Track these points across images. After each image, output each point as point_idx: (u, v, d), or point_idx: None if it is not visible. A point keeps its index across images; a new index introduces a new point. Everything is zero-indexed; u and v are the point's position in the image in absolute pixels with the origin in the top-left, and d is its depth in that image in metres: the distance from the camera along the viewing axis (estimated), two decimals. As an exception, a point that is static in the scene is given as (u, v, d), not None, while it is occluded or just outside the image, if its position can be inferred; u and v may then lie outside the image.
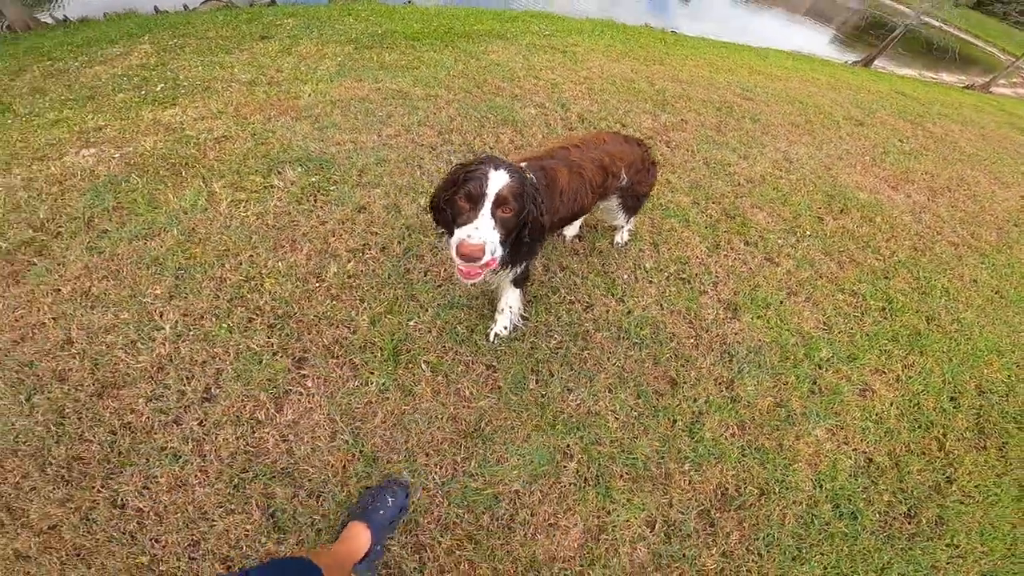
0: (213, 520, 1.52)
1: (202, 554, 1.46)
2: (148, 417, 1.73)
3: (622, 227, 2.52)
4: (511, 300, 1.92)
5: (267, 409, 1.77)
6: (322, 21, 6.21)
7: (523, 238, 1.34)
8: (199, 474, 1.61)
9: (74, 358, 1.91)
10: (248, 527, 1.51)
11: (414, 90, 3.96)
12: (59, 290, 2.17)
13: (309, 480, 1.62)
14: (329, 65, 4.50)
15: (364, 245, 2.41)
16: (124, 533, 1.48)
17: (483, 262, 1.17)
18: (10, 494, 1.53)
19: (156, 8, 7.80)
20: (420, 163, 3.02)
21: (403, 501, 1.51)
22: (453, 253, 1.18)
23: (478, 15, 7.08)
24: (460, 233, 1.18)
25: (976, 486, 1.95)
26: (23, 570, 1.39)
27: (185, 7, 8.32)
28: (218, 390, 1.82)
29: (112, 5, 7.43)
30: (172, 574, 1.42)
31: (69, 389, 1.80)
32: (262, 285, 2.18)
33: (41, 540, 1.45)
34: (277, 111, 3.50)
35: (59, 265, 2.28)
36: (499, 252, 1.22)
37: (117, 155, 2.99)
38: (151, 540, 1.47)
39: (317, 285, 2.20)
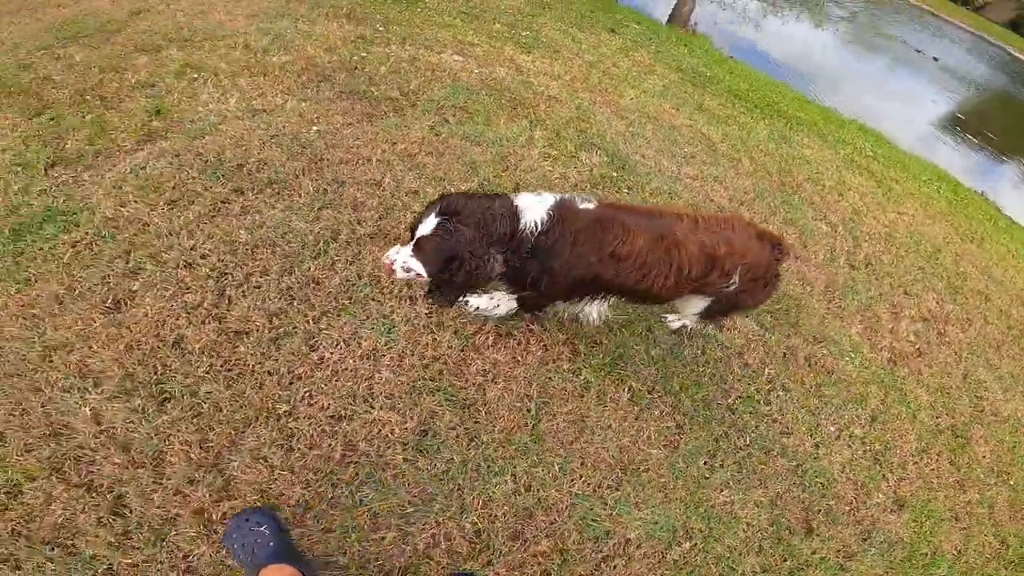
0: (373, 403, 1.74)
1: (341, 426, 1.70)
2: (388, 282, 2.04)
3: (687, 320, 2.15)
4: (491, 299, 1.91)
5: (488, 338, 1.98)
6: (660, 39, 6.55)
7: (453, 274, 1.43)
8: (394, 358, 1.85)
9: (373, 198, 2.37)
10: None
11: (721, 144, 3.98)
12: (395, 144, 2.73)
13: (479, 423, 1.77)
14: (655, 82, 4.76)
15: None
16: (294, 377, 1.68)
17: (399, 274, 1.46)
18: (238, 279, 1.81)
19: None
20: (700, 212, 3.05)
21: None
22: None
23: (805, 104, 6.75)
24: (391, 251, 1.49)
25: None
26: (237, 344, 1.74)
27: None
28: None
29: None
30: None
31: (352, 221, 2.21)
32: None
33: (230, 333, 1.70)
34: (602, 100, 3.84)
35: (405, 127, 2.86)
36: (418, 271, 1.45)
37: (476, 71, 3.61)
38: (308, 393, 1.64)
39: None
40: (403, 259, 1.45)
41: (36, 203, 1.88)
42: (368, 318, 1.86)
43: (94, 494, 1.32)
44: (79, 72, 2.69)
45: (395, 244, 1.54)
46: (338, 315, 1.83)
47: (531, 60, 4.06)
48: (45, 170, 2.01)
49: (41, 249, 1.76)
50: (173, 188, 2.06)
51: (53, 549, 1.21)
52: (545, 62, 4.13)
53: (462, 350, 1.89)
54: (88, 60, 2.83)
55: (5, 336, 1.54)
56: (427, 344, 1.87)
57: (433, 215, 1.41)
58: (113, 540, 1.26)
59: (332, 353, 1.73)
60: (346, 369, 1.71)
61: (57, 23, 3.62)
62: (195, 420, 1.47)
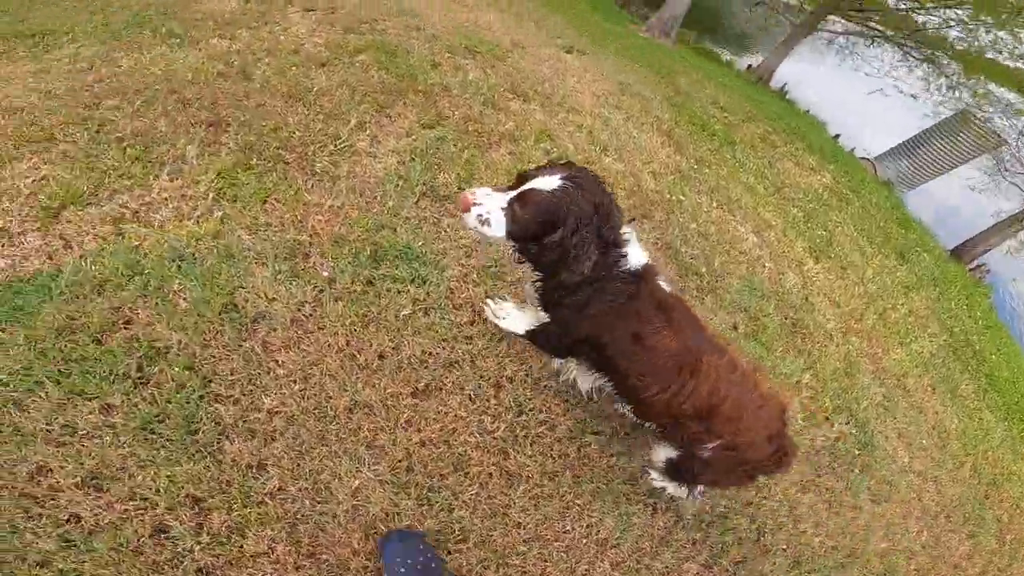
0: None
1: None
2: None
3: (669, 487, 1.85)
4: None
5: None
6: (945, 282, 5.73)
7: (543, 247, 1.26)
8: (619, 554, 1.78)
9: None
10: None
11: (954, 441, 3.35)
12: None
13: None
14: (924, 345, 4.15)
15: None
16: (537, 537, 1.70)
17: (469, 222, 1.27)
18: (531, 423, 1.85)
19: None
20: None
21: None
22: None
23: None
24: (481, 190, 1.29)
25: None
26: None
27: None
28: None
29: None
30: None
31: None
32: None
33: (505, 474, 1.74)
34: (869, 350, 3.45)
35: (704, 316, 2.76)
36: (495, 231, 1.26)
37: (768, 266, 3.44)
38: (540, 557, 1.62)
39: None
40: (492, 206, 1.25)
41: (400, 230, 2.13)
42: (616, 510, 1.81)
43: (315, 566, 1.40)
44: (469, 94, 3.05)
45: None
46: (594, 496, 1.81)
47: (818, 271, 3.79)
48: (418, 197, 2.29)
49: (388, 289, 1.89)
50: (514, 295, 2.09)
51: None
52: (831, 277, 3.82)
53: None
54: (477, 83, 3.20)
55: (325, 368, 1.65)
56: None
57: (559, 176, 1.22)
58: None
59: (574, 528, 1.72)
60: (577, 547, 1.68)
61: (463, 25, 4.20)
62: (436, 536, 1.54)
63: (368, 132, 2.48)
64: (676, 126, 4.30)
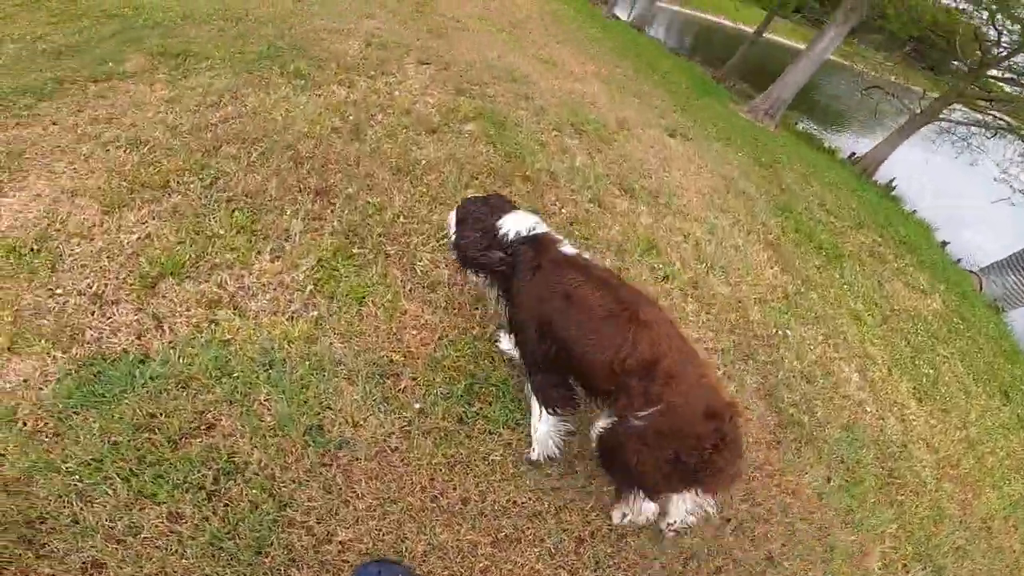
0: None
1: None
2: None
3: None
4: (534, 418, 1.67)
5: None
6: None
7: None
8: None
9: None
10: None
11: None
12: (783, 477, 2.33)
13: None
14: (1017, 488, 3.56)
15: None
16: None
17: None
18: None
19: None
20: None
21: None
22: None
23: None
24: None
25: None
26: None
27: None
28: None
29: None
30: None
31: None
32: None
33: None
34: (960, 496, 2.97)
35: (799, 468, 2.47)
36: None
37: (871, 411, 3.08)
38: None
39: None
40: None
41: (498, 362, 1.96)
42: None
43: None
44: (576, 185, 2.92)
45: None
46: None
47: (920, 415, 3.39)
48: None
49: (480, 430, 1.77)
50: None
51: None
52: (932, 422, 3.42)
53: None
54: (584, 173, 3.07)
55: (405, 507, 1.52)
56: None
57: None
58: None
59: None
60: None
61: (570, 97, 4.15)
62: None
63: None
64: (783, 235, 4.02)
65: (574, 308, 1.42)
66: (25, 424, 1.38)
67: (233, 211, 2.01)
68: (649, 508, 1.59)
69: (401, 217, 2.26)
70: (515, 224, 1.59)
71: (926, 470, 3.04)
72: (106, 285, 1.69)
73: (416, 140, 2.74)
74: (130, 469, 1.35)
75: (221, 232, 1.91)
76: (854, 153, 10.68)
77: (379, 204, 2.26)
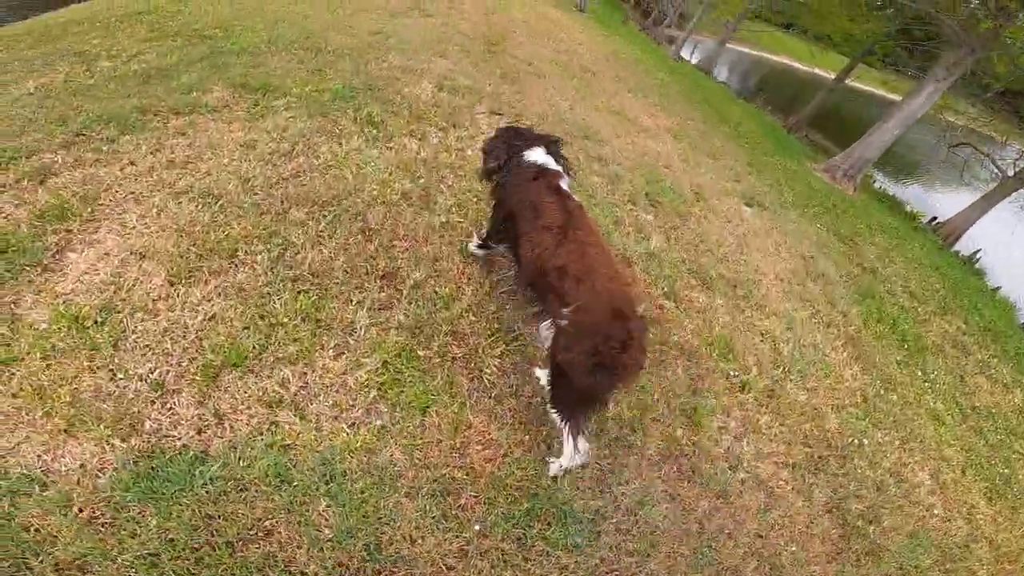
0: None
1: None
2: None
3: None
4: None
5: None
6: None
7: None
8: None
9: None
10: None
11: None
12: None
13: None
14: None
15: None
16: None
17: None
18: None
19: None
20: None
21: None
22: None
23: None
24: None
25: None
26: None
27: None
28: None
29: None
30: None
31: None
32: None
33: None
34: None
35: None
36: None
37: (936, 516, 2.68)
38: None
39: None
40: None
41: (563, 483, 1.82)
42: None
43: None
44: (652, 275, 2.72)
45: None
46: None
47: (989, 515, 3.12)
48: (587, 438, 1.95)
49: (538, 552, 1.67)
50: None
51: None
52: (999, 520, 3.11)
53: None
54: (660, 258, 2.87)
55: None
56: None
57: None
58: None
59: None
60: None
61: (643, 158, 3.96)
62: None
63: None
64: (864, 327, 3.71)
65: (532, 214, 1.83)
66: (81, 511, 1.34)
67: (299, 293, 1.92)
68: (583, 448, 1.74)
69: (470, 314, 2.12)
70: (534, 156, 2.01)
71: (983, 568, 2.76)
72: (168, 371, 1.62)
73: (486, 214, 2.61)
74: (187, 569, 1.30)
75: (285, 320, 1.82)
76: (935, 218, 9.91)
77: (447, 296, 2.13)
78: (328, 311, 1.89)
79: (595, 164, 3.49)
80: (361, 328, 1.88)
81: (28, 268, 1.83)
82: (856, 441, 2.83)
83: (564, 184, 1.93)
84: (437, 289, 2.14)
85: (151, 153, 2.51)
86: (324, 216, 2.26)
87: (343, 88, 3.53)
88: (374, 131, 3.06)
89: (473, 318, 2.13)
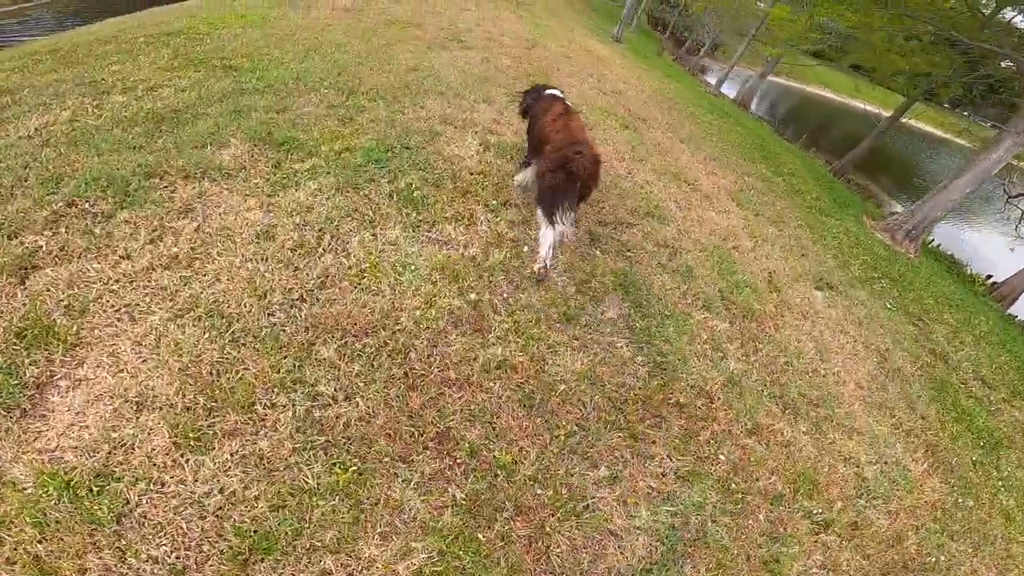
0: None
1: None
2: None
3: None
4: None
5: None
6: None
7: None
8: None
9: None
10: None
11: None
12: None
13: None
14: None
15: None
16: None
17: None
18: None
19: None
20: None
21: None
22: None
23: None
24: None
25: None
26: None
27: None
28: None
29: None
30: None
31: None
32: None
33: None
34: None
35: None
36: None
37: None
38: None
39: None
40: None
41: None
42: None
43: None
44: (733, 412, 2.31)
45: None
46: None
47: None
48: None
49: None
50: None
51: None
52: None
53: None
54: (741, 386, 2.47)
55: None
56: None
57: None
58: None
59: None
60: None
61: (711, 240, 3.52)
62: None
63: (619, 490, 1.83)
64: (941, 428, 3.41)
65: (543, 113, 2.93)
66: None
67: (333, 465, 1.57)
68: (559, 228, 2.52)
69: (536, 484, 1.74)
70: (550, 91, 3.15)
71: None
72: (189, 556, 1.32)
73: (547, 339, 2.21)
74: None
75: (320, 502, 1.48)
76: (991, 276, 9.32)
77: (509, 463, 1.76)
78: (370, 488, 1.54)
79: (663, 255, 3.08)
80: (413, 510, 1.54)
81: (3, 412, 1.53)
82: (933, 558, 2.48)
83: (567, 101, 3.05)
84: (497, 454, 1.76)
85: (150, 242, 2.16)
86: (358, 356, 1.88)
87: (376, 147, 3.17)
88: (413, 213, 2.69)
89: (539, 490, 1.75)
